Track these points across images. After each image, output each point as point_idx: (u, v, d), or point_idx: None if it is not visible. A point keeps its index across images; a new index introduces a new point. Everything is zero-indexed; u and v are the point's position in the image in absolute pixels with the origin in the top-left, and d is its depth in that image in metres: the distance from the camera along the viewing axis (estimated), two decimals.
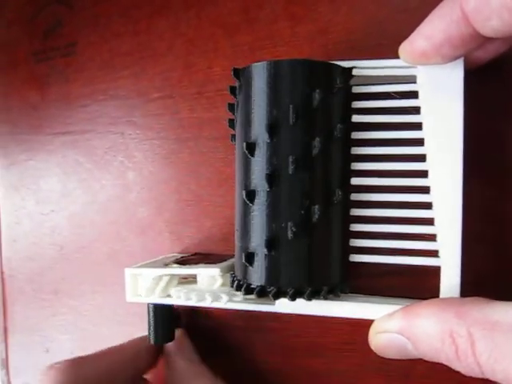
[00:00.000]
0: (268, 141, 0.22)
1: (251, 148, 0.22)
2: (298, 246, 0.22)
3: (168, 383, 0.29)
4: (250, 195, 0.23)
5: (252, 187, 0.23)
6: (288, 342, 0.29)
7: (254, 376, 0.30)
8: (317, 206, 0.22)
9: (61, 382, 0.26)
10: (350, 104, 0.24)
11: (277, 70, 0.22)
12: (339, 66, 0.23)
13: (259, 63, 0.22)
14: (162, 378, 0.30)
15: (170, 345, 0.29)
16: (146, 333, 0.29)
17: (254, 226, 0.23)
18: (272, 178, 0.22)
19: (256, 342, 0.30)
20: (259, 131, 0.22)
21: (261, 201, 0.22)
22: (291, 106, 0.22)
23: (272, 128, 0.22)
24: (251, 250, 0.23)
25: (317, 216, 0.22)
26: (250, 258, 0.23)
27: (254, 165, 0.23)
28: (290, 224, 0.22)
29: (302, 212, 0.22)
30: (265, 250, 0.22)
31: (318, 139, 0.22)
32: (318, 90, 0.22)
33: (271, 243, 0.22)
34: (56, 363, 0.27)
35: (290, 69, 0.22)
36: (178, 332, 0.30)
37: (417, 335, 0.19)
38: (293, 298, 0.22)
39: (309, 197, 0.22)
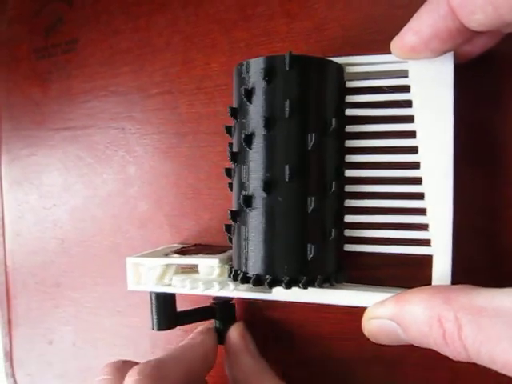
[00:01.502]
0: (264, 133, 0.23)
1: (248, 141, 0.23)
2: (293, 236, 0.23)
3: (234, 381, 0.28)
4: (247, 200, 0.23)
5: (250, 193, 0.23)
6: (285, 331, 0.30)
7: None
8: (313, 198, 0.23)
9: None
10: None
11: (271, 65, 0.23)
12: (333, 61, 0.24)
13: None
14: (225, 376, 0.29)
15: (232, 341, 0.28)
16: (149, 323, 0.29)
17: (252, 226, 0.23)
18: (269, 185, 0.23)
19: (255, 331, 0.30)
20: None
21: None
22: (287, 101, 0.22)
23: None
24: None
25: (312, 207, 0.22)
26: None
27: (251, 170, 0.23)
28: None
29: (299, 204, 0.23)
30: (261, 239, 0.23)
31: (313, 134, 0.22)
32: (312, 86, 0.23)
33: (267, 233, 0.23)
34: (127, 364, 0.25)
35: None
36: (239, 325, 0.29)
37: (407, 321, 0.20)
38: (288, 286, 0.23)
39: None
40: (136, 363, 0.25)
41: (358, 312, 0.23)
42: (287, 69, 0.22)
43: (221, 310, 0.29)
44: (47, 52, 0.39)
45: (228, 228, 0.25)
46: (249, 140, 0.23)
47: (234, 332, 0.28)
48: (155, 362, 0.25)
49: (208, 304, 0.30)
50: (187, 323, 0.29)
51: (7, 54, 0.41)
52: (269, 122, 0.22)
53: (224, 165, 0.31)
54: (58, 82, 0.38)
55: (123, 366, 0.25)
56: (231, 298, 0.30)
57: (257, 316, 0.30)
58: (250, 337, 0.29)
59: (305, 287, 0.23)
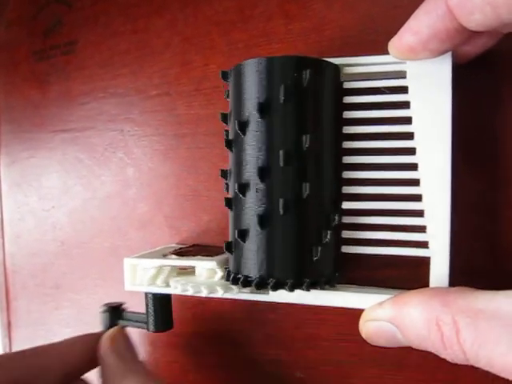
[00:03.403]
0: (261, 119, 0.23)
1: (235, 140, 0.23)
2: (295, 238, 0.23)
3: (101, 381, 0.28)
4: (242, 188, 0.23)
5: (244, 180, 0.23)
6: (285, 333, 0.30)
7: (251, 367, 0.31)
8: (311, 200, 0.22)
9: None
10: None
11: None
12: (330, 62, 0.24)
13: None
14: None
15: (103, 342, 0.28)
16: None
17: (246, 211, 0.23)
18: (264, 171, 0.23)
19: (254, 333, 0.30)
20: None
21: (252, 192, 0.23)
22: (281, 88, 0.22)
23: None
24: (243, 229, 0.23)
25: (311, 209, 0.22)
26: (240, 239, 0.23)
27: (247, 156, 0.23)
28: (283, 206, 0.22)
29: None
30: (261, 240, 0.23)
31: (308, 135, 0.22)
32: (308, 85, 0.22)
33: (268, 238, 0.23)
34: None
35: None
36: (113, 328, 0.30)
37: (405, 323, 0.20)
38: (292, 289, 0.22)
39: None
40: None
41: (356, 313, 0.23)
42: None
43: (105, 315, 0.30)
44: (46, 54, 0.39)
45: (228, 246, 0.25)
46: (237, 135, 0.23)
47: (105, 335, 0.29)
48: None
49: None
50: None
51: (6, 57, 0.41)
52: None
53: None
54: (56, 84, 0.38)
55: None
56: (121, 304, 0.31)
57: (254, 317, 0.30)
58: (124, 339, 0.29)
59: (308, 289, 0.23)
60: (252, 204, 0.23)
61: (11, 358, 0.27)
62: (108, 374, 0.27)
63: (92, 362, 0.28)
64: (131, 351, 0.29)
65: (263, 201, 0.23)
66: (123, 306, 0.31)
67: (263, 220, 0.22)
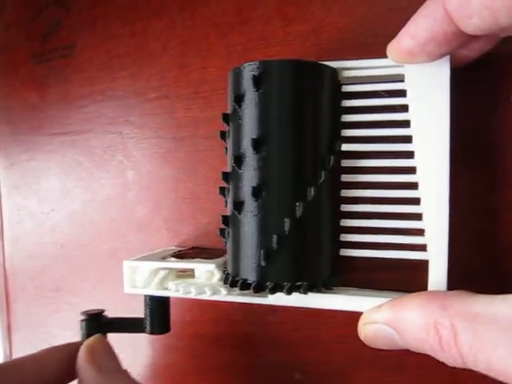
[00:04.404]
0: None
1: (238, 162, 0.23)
2: (292, 242, 0.23)
3: None
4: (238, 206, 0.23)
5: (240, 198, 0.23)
6: (284, 335, 0.30)
7: (251, 369, 0.31)
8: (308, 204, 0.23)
9: None
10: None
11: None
12: (328, 66, 0.24)
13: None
14: None
15: (81, 353, 0.27)
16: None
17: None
18: (258, 190, 0.23)
19: (253, 335, 0.30)
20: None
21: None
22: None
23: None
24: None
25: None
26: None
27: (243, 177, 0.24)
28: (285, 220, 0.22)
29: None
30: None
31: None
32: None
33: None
34: None
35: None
36: (91, 338, 0.28)
37: (403, 326, 0.20)
38: (289, 292, 0.23)
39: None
40: None
41: (355, 316, 0.23)
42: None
43: (88, 325, 0.29)
44: (45, 57, 0.39)
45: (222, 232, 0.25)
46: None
47: (83, 346, 0.28)
48: None
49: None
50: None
51: (5, 60, 0.41)
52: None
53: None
54: (55, 87, 0.38)
55: None
56: (102, 311, 0.30)
57: (254, 320, 0.30)
58: (104, 349, 0.28)
59: (305, 292, 0.23)
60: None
61: None
62: None
63: (69, 374, 0.27)
64: (111, 361, 0.27)
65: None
66: (104, 314, 0.30)
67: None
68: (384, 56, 0.23)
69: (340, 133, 0.24)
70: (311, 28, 0.28)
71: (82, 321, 0.29)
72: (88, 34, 0.36)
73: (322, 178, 0.23)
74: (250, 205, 0.23)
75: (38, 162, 0.40)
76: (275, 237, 0.22)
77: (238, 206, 0.23)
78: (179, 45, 0.33)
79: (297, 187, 0.23)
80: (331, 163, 0.23)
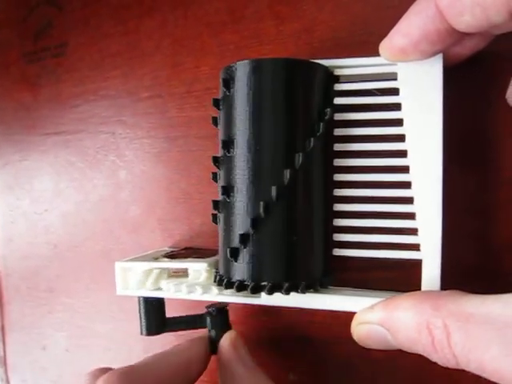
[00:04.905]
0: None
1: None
2: (278, 241, 0.22)
3: None
4: (228, 190, 0.23)
5: (232, 183, 0.23)
6: (278, 335, 0.30)
7: None
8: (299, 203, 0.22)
9: None
10: (332, 101, 0.24)
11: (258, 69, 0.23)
12: (321, 64, 0.24)
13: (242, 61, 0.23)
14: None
15: (224, 349, 0.27)
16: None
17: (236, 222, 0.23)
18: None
19: (247, 335, 0.30)
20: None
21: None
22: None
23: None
24: (234, 245, 0.23)
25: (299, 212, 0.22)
26: (233, 253, 0.23)
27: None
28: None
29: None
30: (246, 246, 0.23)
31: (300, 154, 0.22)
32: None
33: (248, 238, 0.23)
34: (104, 372, 0.24)
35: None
36: (231, 334, 0.28)
37: (396, 326, 0.20)
38: (270, 292, 0.22)
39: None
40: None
41: (349, 316, 0.23)
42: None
43: (213, 318, 0.28)
44: (37, 56, 0.39)
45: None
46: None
47: (226, 341, 0.27)
48: (123, 369, 0.24)
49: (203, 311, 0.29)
50: (176, 330, 0.29)
51: None
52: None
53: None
54: (47, 87, 0.38)
55: (100, 374, 0.24)
56: (226, 305, 0.29)
57: (246, 320, 0.30)
58: (244, 346, 0.27)
59: (287, 293, 0.23)
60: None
61: (133, 369, 0.25)
62: (236, 383, 0.26)
63: (205, 367, 0.28)
64: (251, 358, 0.27)
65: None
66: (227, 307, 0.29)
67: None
68: (377, 54, 0.22)
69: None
70: (304, 26, 0.28)
71: (210, 314, 0.28)
72: (80, 33, 0.36)
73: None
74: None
75: (30, 162, 0.40)
76: (261, 204, 0.22)
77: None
78: (172, 44, 0.32)
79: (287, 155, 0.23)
80: (321, 129, 0.23)
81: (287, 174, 0.22)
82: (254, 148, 0.22)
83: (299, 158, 0.22)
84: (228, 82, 0.23)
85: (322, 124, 0.23)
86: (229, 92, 0.23)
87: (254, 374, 0.26)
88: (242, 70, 0.23)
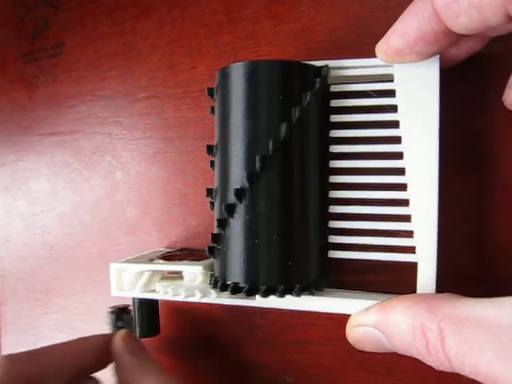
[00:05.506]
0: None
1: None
2: (272, 244, 0.22)
3: (118, 382, 0.28)
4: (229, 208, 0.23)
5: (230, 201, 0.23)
6: (274, 337, 0.29)
7: (240, 371, 0.31)
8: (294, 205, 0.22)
9: None
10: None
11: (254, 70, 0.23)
12: (316, 66, 0.24)
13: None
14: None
15: (115, 343, 0.29)
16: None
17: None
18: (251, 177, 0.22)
19: (242, 337, 0.30)
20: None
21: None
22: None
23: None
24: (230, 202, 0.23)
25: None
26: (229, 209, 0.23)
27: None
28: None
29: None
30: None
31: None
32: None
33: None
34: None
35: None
36: (122, 330, 0.30)
37: (390, 329, 0.20)
38: (265, 295, 0.22)
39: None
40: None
41: (343, 318, 0.23)
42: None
43: (115, 318, 0.30)
44: (33, 56, 0.38)
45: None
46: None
47: (117, 335, 0.29)
48: (8, 355, 0.26)
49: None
50: None
51: None
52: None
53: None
54: (44, 87, 0.38)
55: None
56: (127, 306, 0.31)
57: (243, 322, 0.30)
58: (135, 339, 0.30)
59: (282, 296, 0.22)
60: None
61: (25, 356, 0.27)
62: (126, 372, 0.28)
63: (103, 362, 0.29)
64: (142, 349, 0.29)
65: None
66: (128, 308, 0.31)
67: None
68: (374, 55, 0.22)
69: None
70: (301, 27, 0.28)
71: (112, 313, 0.31)
72: (77, 33, 0.36)
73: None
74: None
75: (27, 163, 0.40)
76: (258, 157, 0.22)
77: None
78: (168, 44, 0.32)
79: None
80: (317, 85, 0.23)
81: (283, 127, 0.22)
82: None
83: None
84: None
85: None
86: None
87: (144, 363, 0.28)
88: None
